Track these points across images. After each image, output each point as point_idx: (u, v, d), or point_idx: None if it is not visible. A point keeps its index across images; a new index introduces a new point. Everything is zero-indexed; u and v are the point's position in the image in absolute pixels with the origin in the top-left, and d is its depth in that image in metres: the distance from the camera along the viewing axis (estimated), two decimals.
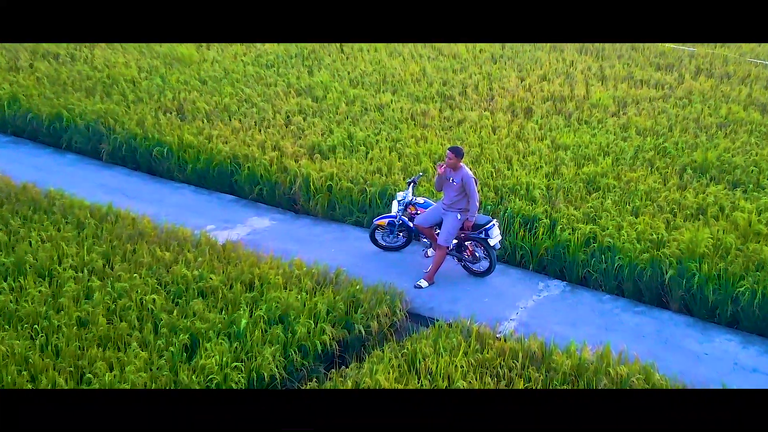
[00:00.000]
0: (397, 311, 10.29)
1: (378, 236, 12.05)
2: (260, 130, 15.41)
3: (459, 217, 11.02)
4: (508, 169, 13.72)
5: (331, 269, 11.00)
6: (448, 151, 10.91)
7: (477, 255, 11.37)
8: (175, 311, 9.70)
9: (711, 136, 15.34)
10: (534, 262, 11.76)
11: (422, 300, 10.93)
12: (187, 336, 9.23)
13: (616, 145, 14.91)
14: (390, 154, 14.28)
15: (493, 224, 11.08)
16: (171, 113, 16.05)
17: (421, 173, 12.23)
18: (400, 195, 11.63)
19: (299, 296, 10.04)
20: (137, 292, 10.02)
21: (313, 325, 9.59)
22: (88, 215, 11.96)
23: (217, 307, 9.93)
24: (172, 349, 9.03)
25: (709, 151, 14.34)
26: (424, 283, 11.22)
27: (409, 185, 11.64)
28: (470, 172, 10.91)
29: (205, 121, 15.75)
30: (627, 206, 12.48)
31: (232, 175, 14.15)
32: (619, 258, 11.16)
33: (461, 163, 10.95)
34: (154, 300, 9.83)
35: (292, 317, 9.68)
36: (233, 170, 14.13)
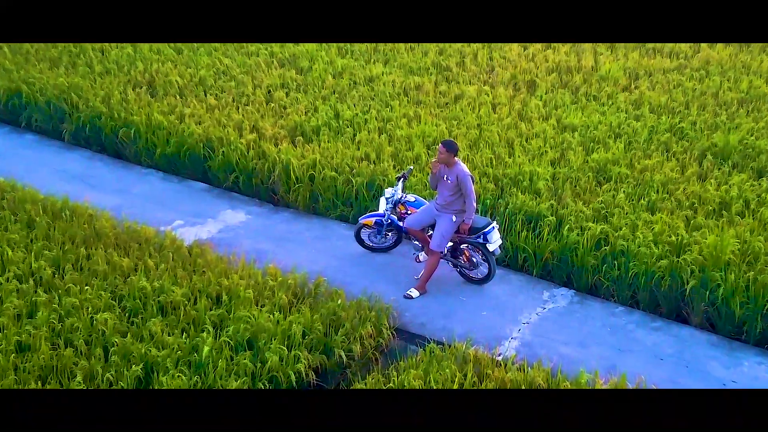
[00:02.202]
0: (384, 330, 9.07)
1: (364, 236, 10.80)
2: (238, 108, 14.05)
3: (454, 219, 9.75)
4: (510, 156, 12.40)
5: (310, 277, 9.78)
6: (440, 145, 9.61)
7: (474, 260, 10.12)
8: (129, 334, 8.47)
9: (732, 115, 13.99)
10: (538, 267, 10.51)
11: (413, 313, 9.71)
12: (141, 366, 8.02)
13: (628, 125, 13.56)
14: (379, 136, 12.95)
15: (493, 227, 9.80)
16: (141, 88, 14.66)
17: (411, 167, 10.92)
18: (388, 192, 10.34)
19: (272, 316, 8.80)
20: (88, 308, 8.80)
21: (286, 352, 8.37)
22: (41, 211, 10.69)
23: (179, 327, 8.71)
24: (122, 383, 7.84)
25: (731, 134, 13.02)
26: (414, 293, 9.99)
27: (398, 181, 10.34)
28: (466, 169, 9.62)
29: (178, 97, 14.38)
30: (642, 201, 11.20)
31: (205, 161, 12.82)
32: (634, 264, 9.91)
33: (456, 159, 9.65)
34: (106, 320, 8.59)
35: (263, 342, 8.45)
36: (206, 155, 12.80)
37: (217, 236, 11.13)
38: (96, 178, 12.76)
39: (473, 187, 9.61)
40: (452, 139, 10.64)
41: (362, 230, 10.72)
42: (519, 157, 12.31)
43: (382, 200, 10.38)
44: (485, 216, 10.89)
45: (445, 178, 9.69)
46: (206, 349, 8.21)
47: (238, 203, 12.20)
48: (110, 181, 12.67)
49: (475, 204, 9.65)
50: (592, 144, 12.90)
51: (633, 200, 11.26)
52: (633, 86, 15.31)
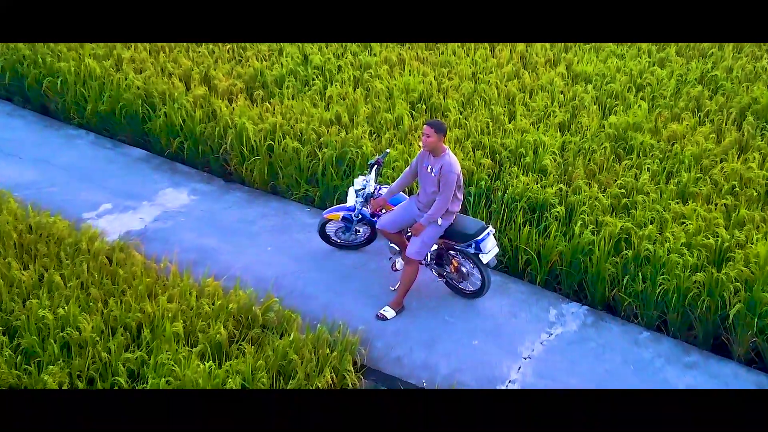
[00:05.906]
0: (348, 377, 7.17)
1: (330, 231, 8.79)
2: (188, 50, 11.80)
3: (440, 222, 7.72)
4: (510, 120, 10.27)
5: (260, 291, 7.84)
6: (425, 125, 7.51)
7: (464, 271, 8.13)
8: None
9: None
10: (542, 274, 8.54)
11: (386, 341, 7.78)
12: None
13: (652, 73, 11.38)
14: (354, 91, 10.78)
15: (488, 234, 7.78)
16: None
17: (387, 150, 8.79)
18: (358, 182, 8.26)
19: (202, 365, 6.88)
20: None
21: None
22: None
23: (84, 376, 6.82)
24: None
25: None
26: (389, 313, 8.04)
27: (370, 169, 8.25)
28: (454, 162, 7.51)
29: None
30: (670, 183, 9.16)
31: (145, 122, 10.67)
32: (663, 278, 7.94)
33: (446, 147, 7.56)
34: None
35: None
36: (146, 115, 10.63)
37: (152, 227, 9.11)
38: (13, 142, 10.60)
39: (455, 186, 7.53)
40: (440, 120, 8.48)
41: (328, 224, 8.71)
42: (521, 120, 10.19)
43: (351, 192, 8.33)
44: (479, 205, 8.90)
45: (428, 169, 7.63)
46: None
47: (182, 178, 10.11)
48: (30, 147, 10.52)
49: (447, 207, 7.55)
50: (609, 100, 10.76)
51: (660, 181, 9.23)
52: None
